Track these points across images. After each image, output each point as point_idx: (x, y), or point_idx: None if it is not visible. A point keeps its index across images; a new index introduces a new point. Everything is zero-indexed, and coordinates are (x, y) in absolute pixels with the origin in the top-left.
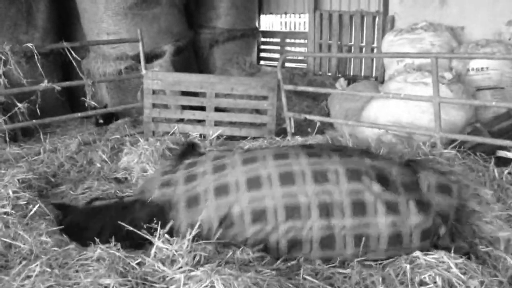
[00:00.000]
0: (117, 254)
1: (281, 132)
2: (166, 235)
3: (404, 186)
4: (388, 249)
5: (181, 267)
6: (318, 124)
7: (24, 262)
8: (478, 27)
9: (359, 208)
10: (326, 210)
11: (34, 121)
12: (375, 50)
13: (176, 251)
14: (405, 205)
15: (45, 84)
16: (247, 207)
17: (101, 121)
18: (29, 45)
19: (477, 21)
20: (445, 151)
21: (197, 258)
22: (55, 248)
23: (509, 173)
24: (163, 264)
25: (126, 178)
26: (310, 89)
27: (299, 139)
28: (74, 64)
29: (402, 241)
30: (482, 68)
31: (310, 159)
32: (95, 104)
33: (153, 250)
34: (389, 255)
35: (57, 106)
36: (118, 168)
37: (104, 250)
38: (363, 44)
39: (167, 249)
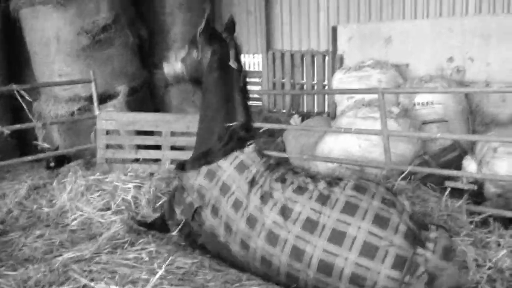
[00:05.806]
0: None
1: None
2: None
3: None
4: None
5: None
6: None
7: None
8: (421, 64)
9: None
10: None
11: None
12: (326, 88)
13: None
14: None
15: None
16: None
17: (52, 164)
18: None
19: (420, 58)
20: (396, 182)
21: None
22: None
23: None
24: None
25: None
26: (267, 125)
27: None
28: (25, 107)
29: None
30: (427, 103)
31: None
32: (48, 146)
33: None
34: None
35: (7, 151)
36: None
37: None
38: (315, 82)
39: None
